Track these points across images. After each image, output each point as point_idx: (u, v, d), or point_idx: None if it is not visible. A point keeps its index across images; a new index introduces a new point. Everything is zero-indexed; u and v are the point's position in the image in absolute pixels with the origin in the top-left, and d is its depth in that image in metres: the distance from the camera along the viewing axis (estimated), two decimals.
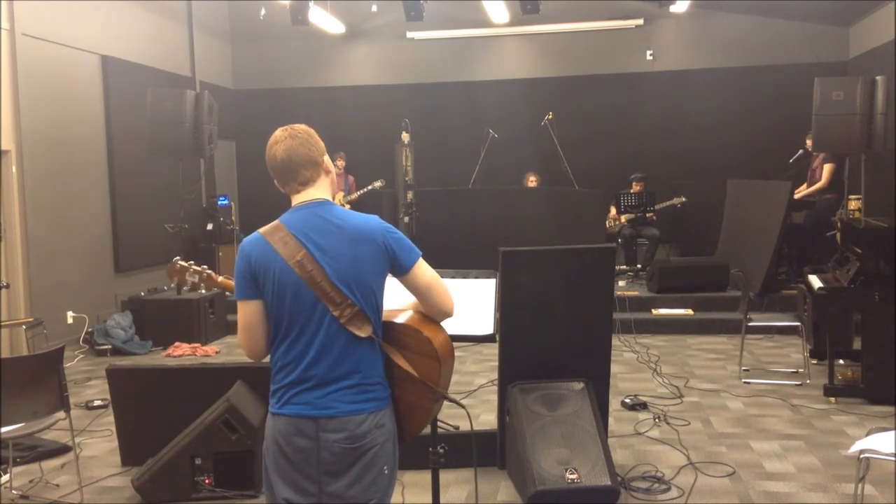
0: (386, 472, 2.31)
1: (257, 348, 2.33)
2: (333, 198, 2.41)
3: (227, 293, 2.34)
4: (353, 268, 2.25)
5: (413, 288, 2.37)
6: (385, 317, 2.38)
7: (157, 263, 9.46)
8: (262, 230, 2.31)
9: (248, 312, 2.30)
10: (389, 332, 2.37)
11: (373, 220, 2.32)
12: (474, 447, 2.67)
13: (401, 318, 2.39)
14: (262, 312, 2.29)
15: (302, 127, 2.38)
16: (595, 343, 4.47)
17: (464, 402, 5.76)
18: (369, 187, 10.05)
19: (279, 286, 2.24)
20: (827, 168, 8.41)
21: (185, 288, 2.65)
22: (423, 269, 2.36)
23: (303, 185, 2.34)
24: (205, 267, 2.69)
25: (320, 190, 2.36)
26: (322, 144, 2.39)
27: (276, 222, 2.31)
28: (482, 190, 9.94)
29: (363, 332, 2.25)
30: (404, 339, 2.35)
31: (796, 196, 8.61)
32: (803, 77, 8.67)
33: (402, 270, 2.33)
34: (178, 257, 2.76)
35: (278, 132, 2.36)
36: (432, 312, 2.39)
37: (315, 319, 2.24)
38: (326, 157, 2.40)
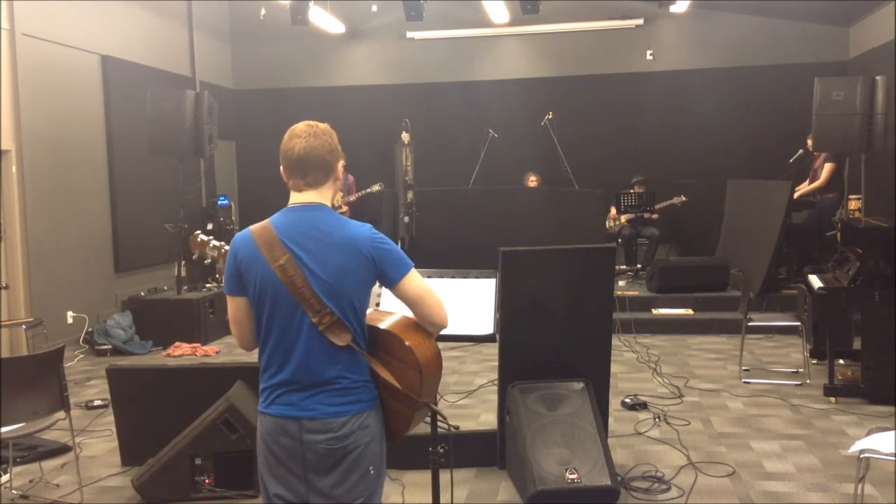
0: (372, 472, 2.32)
1: (246, 341, 2.40)
2: (332, 203, 2.40)
3: None
4: (336, 276, 2.24)
5: (402, 300, 2.36)
6: (373, 319, 2.38)
7: (158, 263, 9.46)
8: (252, 228, 2.33)
9: (234, 308, 2.36)
10: (375, 336, 2.36)
11: (362, 230, 2.31)
12: (451, 451, 2.68)
13: (386, 324, 2.37)
14: (248, 309, 2.34)
15: (325, 127, 2.36)
16: (595, 343, 4.47)
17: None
18: (368, 190, 9.97)
19: (261, 287, 2.27)
20: (827, 167, 8.41)
21: (206, 261, 2.79)
22: (413, 282, 2.33)
23: (309, 186, 2.33)
24: (223, 243, 2.75)
25: (322, 194, 2.35)
26: (340, 150, 2.38)
27: (266, 222, 2.32)
28: (482, 190, 9.92)
29: (341, 340, 2.25)
30: (388, 344, 2.34)
31: (795, 193, 8.61)
32: (803, 77, 8.67)
33: (389, 282, 2.33)
34: (198, 231, 2.88)
35: (301, 126, 2.33)
36: (423, 324, 2.38)
37: (295, 323, 2.26)
38: (341, 164, 2.39)
